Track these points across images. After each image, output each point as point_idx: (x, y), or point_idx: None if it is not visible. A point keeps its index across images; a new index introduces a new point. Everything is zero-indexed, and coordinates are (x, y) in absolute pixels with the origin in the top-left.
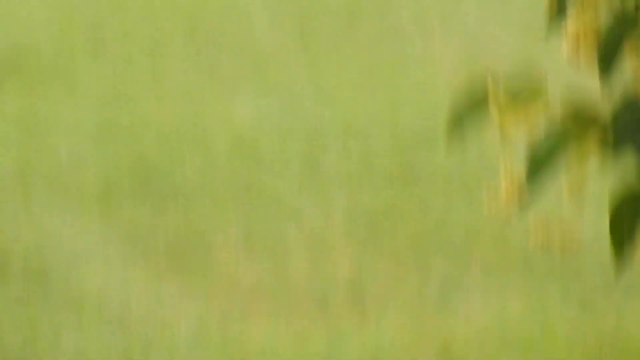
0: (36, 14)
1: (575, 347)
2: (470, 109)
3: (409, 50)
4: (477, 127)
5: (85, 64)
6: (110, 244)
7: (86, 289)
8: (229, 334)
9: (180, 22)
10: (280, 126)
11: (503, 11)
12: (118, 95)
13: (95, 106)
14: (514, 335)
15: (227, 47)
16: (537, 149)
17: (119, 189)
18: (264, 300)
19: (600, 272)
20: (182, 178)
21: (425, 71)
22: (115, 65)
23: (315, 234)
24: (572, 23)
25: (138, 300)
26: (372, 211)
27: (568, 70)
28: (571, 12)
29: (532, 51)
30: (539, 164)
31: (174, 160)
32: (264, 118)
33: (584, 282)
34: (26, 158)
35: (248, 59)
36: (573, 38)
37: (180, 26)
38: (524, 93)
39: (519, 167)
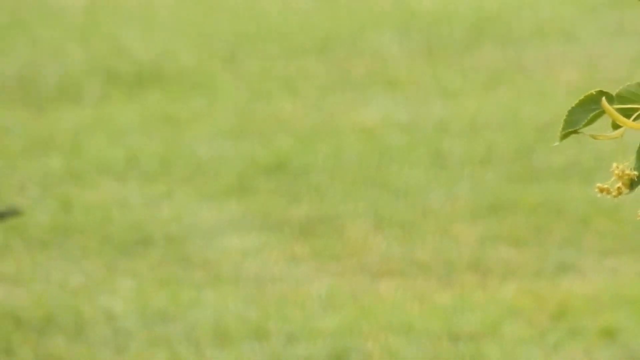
0: (178, 29)
1: None
2: (585, 112)
3: (529, 61)
4: (590, 129)
5: (222, 73)
6: (247, 222)
7: (224, 256)
8: (359, 293)
9: (313, 40)
10: (407, 123)
11: (617, 29)
12: (253, 100)
13: (231, 109)
14: (626, 293)
15: (358, 58)
16: None
17: (255, 179)
18: (392, 266)
19: None
20: (314, 169)
21: (544, 78)
22: (250, 75)
23: (440, 215)
24: None
25: (273, 265)
26: (494, 196)
27: None
28: None
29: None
30: None
31: (307, 153)
32: (392, 117)
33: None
34: (168, 153)
35: (378, 67)
36: None
37: (313, 43)
38: (635, 99)
39: (629, 161)
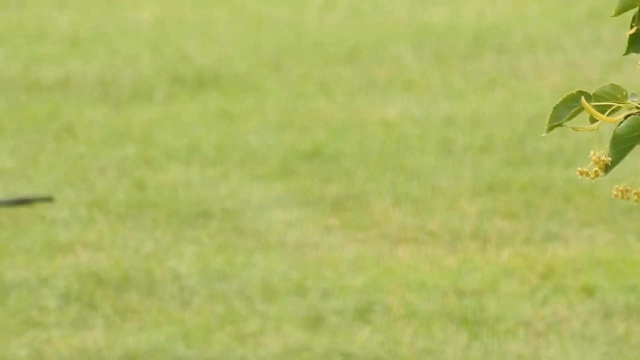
0: (232, 37)
1: None
2: (567, 109)
3: (521, 66)
4: (572, 122)
5: (269, 77)
6: (289, 199)
7: (270, 226)
8: (381, 257)
9: (343, 50)
10: (420, 118)
11: (593, 40)
12: (294, 99)
13: (276, 106)
14: (601, 257)
15: (380, 65)
16: (620, 134)
17: (295, 163)
18: (407, 235)
19: None
20: (344, 155)
21: (533, 81)
22: (291, 78)
23: (447, 193)
24: None
25: (310, 234)
26: (491, 177)
27: None
28: None
29: (614, 69)
30: (621, 144)
31: (338, 143)
32: (408, 113)
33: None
34: (224, 142)
35: (396, 72)
36: None
37: (343, 52)
38: (609, 98)
39: (604, 149)
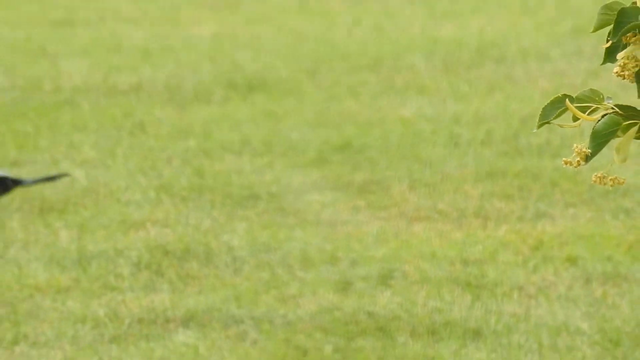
0: (276, 49)
1: (622, 243)
2: (554, 109)
3: (516, 73)
4: (558, 120)
5: (307, 82)
6: (323, 184)
7: (308, 207)
8: (399, 232)
9: (368, 59)
10: (432, 116)
11: (576, 52)
12: (328, 100)
13: (313, 107)
14: (583, 232)
15: (398, 72)
16: (598, 130)
17: (329, 154)
18: (422, 214)
19: (637, 196)
20: (369, 147)
21: (526, 86)
22: (326, 83)
23: (454, 179)
24: (621, 56)
25: (341, 213)
26: (491, 166)
27: (617, 86)
28: (621, 50)
29: (594, 76)
30: (599, 139)
31: (364, 137)
32: (422, 112)
33: (627, 202)
34: (270, 136)
35: (411, 78)
36: (621, 66)
37: (368, 61)
38: (589, 100)
39: (585, 143)
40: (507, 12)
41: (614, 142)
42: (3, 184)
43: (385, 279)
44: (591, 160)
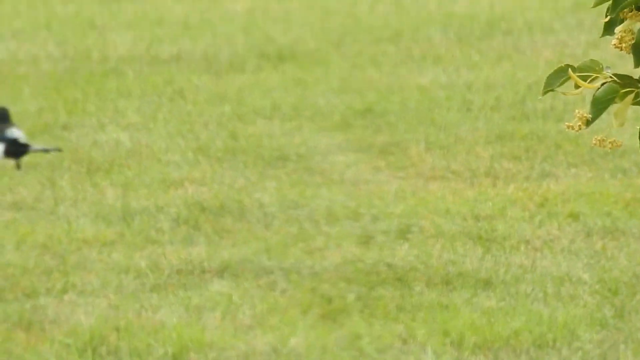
0: (305, 23)
1: (620, 200)
2: (558, 78)
3: (523, 45)
4: (561, 88)
5: (333, 53)
6: (347, 146)
7: (333, 167)
8: (417, 190)
9: (389, 32)
10: (447, 84)
11: (578, 25)
12: (352, 69)
13: (338, 75)
14: (584, 190)
15: (416, 43)
16: (598, 97)
17: (353, 118)
18: (437, 174)
19: (634, 157)
20: (389, 112)
21: (532, 56)
22: (350, 53)
23: (467, 141)
24: (618, 29)
25: (363, 173)
26: (501, 129)
27: (615, 57)
28: (618, 24)
29: (594, 47)
30: (599, 105)
31: (385, 102)
32: (438, 80)
33: (624, 162)
34: (299, 102)
35: (429, 49)
36: (618, 39)
37: (389, 34)
38: (590, 70)
39: (586, 108)
40: None
41: (613, 108)
42: (16, 146)
43: (403, 233)
44: (591, 125)
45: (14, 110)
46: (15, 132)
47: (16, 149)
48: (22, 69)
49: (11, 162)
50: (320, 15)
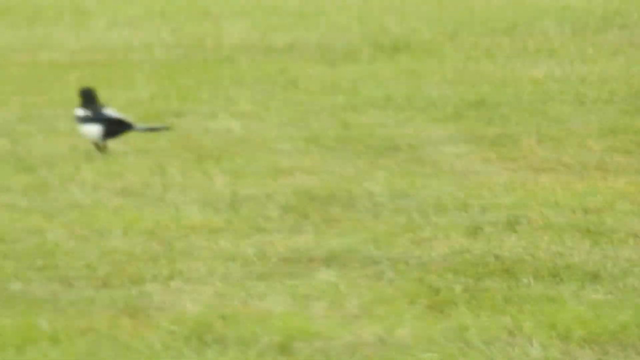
0: (419, 14)
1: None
2: None
3: (638, 38)
4: None
5: (448, 45)
6: (459, 137)
7: (444, 157)
8: (526, 182)
9: (503, 24)
10: (560, 77)
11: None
12: (466, 61)
13: (452, 66)
14: None
15: (530, 36)
16: None
17: (464, 110)
18: (547, 166)
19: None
20: (502, 104)
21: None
22: (464, 45)
23: (579, 134)
24: None
25: (473, 164)
26: (613, 122)
27: None
28: None
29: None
30: None
31: (497, 95)
32: (551, 73)
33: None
34: (412, 93)
35: (541, 42)
36: None
37: (503, 26)
38: None
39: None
40: None
41: None
42: (121, 125)
43: (511, 225)
44: None
45: (126, 97)
46: (112, 112)
47: (116, 129)
48: (135, 56)
49: (102, 144)
50: (435, 6)
